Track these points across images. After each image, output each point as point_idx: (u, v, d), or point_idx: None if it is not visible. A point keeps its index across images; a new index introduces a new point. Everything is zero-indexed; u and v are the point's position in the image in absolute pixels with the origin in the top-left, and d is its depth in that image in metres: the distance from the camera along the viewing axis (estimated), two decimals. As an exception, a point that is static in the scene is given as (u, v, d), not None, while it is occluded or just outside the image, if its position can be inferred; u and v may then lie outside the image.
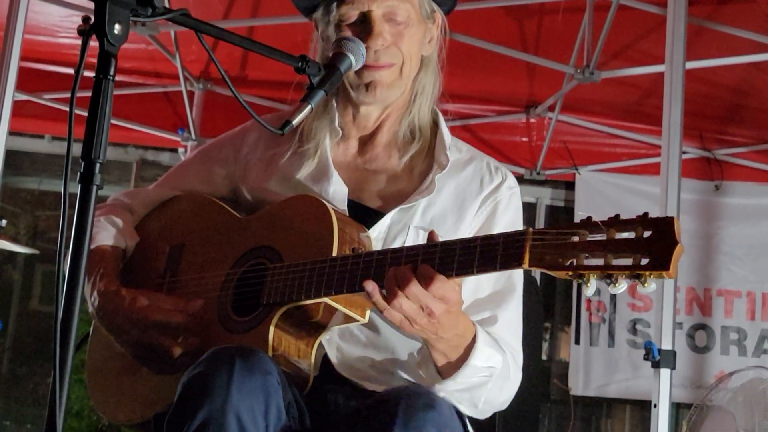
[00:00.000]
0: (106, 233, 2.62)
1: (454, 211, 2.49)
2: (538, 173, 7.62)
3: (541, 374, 8.22)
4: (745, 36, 5.60)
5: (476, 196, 2.52)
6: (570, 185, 7.81)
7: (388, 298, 2.07)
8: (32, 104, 7.07)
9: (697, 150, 7.35)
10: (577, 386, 7.49)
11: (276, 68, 6.16)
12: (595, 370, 7.49)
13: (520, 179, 2.34)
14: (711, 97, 6.60)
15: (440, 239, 2.12)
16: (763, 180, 7.55)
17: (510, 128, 7.49)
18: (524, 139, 7.54)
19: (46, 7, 6.14)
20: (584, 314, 7.57)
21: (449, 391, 2.27)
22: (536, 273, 6.81)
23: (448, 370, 2.26)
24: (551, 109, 7.14)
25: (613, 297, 7.55)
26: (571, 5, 5.86)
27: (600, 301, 7.56)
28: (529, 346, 3.02)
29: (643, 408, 8.22)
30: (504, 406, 2.45)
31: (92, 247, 2.55)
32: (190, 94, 7.24)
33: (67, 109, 1.70)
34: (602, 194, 7.46)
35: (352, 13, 2.45)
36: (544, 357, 9.05)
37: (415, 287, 2.03)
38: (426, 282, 2.04)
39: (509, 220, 2.52)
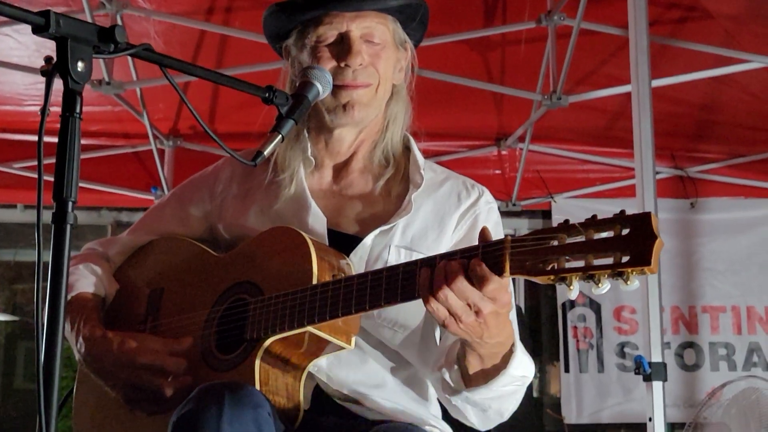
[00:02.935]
0: (85, 281, 2.59)
1: (434, 228, 2.47)
2: (514, 204, 7.64)
3: (534, 407, 8.16)
4: (707, 50, 5.66)
5: (454, 212, 2.51)
6: (546, 214, 7.82)
7: (435, 291, 1.98)
8: (2, 174, 7.04)
9: (670, 169, 7.41)
10: (571, 414, 7.46)
11: (243, 120, 6.22)
12: (586, 396, 7.47)
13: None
14: (679, 116, 6.66)
15: (422, 257, 2.10)
16: (738, 194, 7.62)
17: (482, 162, 7.52)
18: (497, 172, 7.57)
19: (10, 76, 6.15)
20: (571, 341, 7.56)
21: (476, 399, 2.24)
22: (520, 299, 6.86)
23: (478, 378, 2.21)
24: (521, 139, 7.17)
25: (599, 322, 7.54)
26: (532, 34, 5.91)
27: (586, 327, 7.56)
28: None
29: (637, 431, 8.17)
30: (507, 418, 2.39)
31: (72, 294, 2.53)
32: (161, 152, 7.23)
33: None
34: (579, 220, 7.41)
35: (330, 34, 2.46)
36: (536, 394, 9.01)
37: (461, 283, 1.96)
38: (477, 280, 1.96)
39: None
